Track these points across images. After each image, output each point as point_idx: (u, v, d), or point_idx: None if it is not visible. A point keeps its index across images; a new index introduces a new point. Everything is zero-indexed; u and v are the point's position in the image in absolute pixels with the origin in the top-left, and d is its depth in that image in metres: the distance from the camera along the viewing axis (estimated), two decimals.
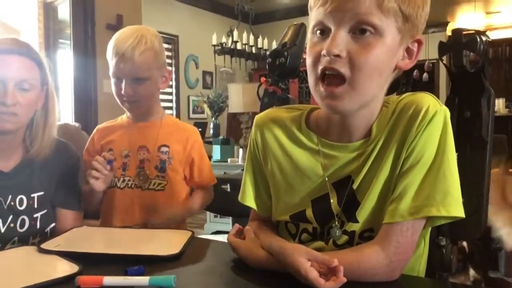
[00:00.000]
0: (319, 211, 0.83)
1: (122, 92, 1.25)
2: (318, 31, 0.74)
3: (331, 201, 0.82)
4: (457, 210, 0.73)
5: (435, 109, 0.75)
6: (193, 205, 1.38)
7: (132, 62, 1.22)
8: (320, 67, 0.73)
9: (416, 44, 0.77)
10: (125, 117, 1.39)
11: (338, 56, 0.70)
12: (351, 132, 0.81)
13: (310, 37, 0.77)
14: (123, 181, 1.31)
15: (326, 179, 0.82)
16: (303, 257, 0.70)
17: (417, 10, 0.72)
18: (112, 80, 1.28)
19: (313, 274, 0.67)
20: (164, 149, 1.31)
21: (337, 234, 0.80)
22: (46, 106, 1.15)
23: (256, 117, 0.94)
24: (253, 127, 0.93)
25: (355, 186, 0.80)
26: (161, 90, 1.36)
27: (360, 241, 0.80)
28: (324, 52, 0.71)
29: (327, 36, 0.72)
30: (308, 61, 0.76)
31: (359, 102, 0.75)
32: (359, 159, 0.80)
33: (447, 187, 0.73)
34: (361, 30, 0.70)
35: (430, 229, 0.85)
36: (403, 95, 0.80)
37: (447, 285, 0.83)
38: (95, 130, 1.41)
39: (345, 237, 0.81)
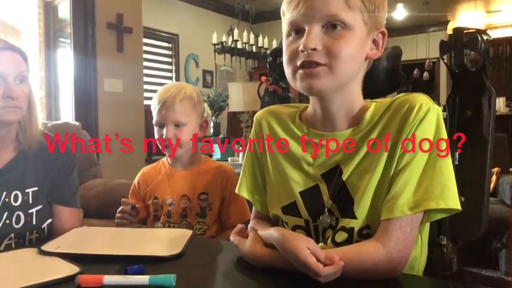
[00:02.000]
0: (310, 202, 0.85)
1: (164, 137, 1.36)
2: (293, 32, 0.81)
3: (322, 192, 0.84)
4: (454, 202, 0.75)
5: (427, 107, 0.77)
6: None
7: (173, 108, 1.35)
8: (298, 62, 0.79)
9: (381, 36, 0.84)
10: (166, 163, 1.46)
11: (314, 49, 0.76)
12: (333, 120, 0.85)
13: (285, 39, 0.83)
14: (169, 226, 1.39)
15: (316, 169, 0.85)
16: (304, 244, 0.71)
17: (378, 5, 0.80)
18: (155, 129, 1.40)
19: (312, 259, 0.69)
20: (203, 196, 1.39)
21: (327, 221, 0.82)
22: (29, 98, 1.16)
23: (258, 112, 0.99)
24: (254, 121, 0.98)
25: (344, 177, 0.81)
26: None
27: (359, 239, 0.80)
28: (301, 47, 0.77)
29: (301, 35, 0.79)
30: (285, 58, 0.82)
31: (336, 83, 0.80)
32: (346, 147, 0.82)
33: (444, 181, 0.75)
34: (332, 25, 0.77)
35: (428, 228, 0.86)
36: (397, 96, 0.83)
37: (447, 284, 0.83)
38: (139, 174, 1.50)
39: (344, 235, 0.81)
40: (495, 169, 3.09)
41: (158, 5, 5.86)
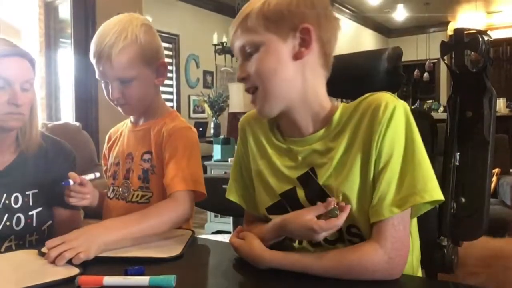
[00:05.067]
0: (290, 204, 0.86)
1: (110, 96, 1.10)
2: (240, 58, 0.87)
3: (298, 195, 0.84)
4: (437, 193, 0.76)
5: (393, 104, 0.77)
6: (134, 226, 0.97)
7: (111, 62, 1.05)
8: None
9: (305, 32, 0.80)
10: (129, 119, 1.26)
11: (244, 78, 0.85)
12: (299, 127, 0.86)
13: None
14: (112, 190, 1.20)
15: (291, 173, 0.86)
16: (309, 217, 0.75)
17: (285, 7, 0.80)
18: (102, 83, 1.13)
19: (324, 223, 0.73)
20: (147, 156, 1.13)
21: (335, 212, 0.78)
22: (32, 103, 1.15)
23: (242, 117, 0.99)
24: (239, 126, 0.99)
25: (321, 181, 0.81)
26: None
27: (349, 237, 0.81)
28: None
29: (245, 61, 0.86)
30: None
31: (275, 102, 0.84)
32: (319, 149, 0.83)
33: (424, 174, 0.76)
34: (248, 53, 0.83)
35: (416, 223, 0.87)
36: (364, 95, 0.82)
37: (448, 285, 0.83)
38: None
39: (335, 233, 0.80)
40: (495, 170, 3.09)
41: (159, 6, 5.86)
